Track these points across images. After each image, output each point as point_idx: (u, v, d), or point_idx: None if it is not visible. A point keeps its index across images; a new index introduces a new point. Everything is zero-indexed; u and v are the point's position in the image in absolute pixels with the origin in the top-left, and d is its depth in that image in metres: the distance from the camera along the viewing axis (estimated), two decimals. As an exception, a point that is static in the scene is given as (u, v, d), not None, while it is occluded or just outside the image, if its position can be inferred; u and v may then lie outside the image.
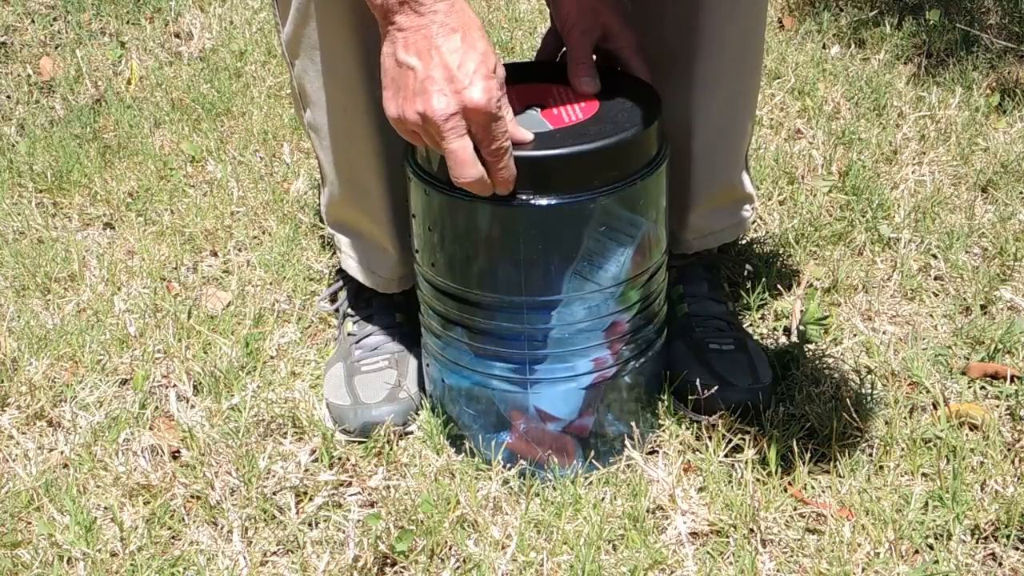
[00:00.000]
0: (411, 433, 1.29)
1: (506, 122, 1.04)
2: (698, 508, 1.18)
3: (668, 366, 1.30)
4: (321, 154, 1.31)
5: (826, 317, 1.42)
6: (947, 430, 1.26)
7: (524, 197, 1.08)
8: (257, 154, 1.95)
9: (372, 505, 1.21)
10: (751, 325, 1.47)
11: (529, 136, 1.08)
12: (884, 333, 1.46)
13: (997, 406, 1.32)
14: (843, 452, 1.25)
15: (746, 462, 1.21)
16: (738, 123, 1.37)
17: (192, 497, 1.22)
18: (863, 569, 1.10)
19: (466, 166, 1.04)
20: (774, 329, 1.46)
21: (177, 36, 2.44)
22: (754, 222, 1.68)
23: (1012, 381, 1.34)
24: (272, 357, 1.44)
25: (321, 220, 1.63)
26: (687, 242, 1.40)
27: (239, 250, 1.69)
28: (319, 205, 1.47)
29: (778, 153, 1.83)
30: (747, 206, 1.45)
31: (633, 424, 1.24)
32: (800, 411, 1.30)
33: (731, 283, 1.53)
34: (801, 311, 1.44)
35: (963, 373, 1.37)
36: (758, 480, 1.20)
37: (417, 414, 1.30)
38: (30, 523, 1.21)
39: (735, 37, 1.30)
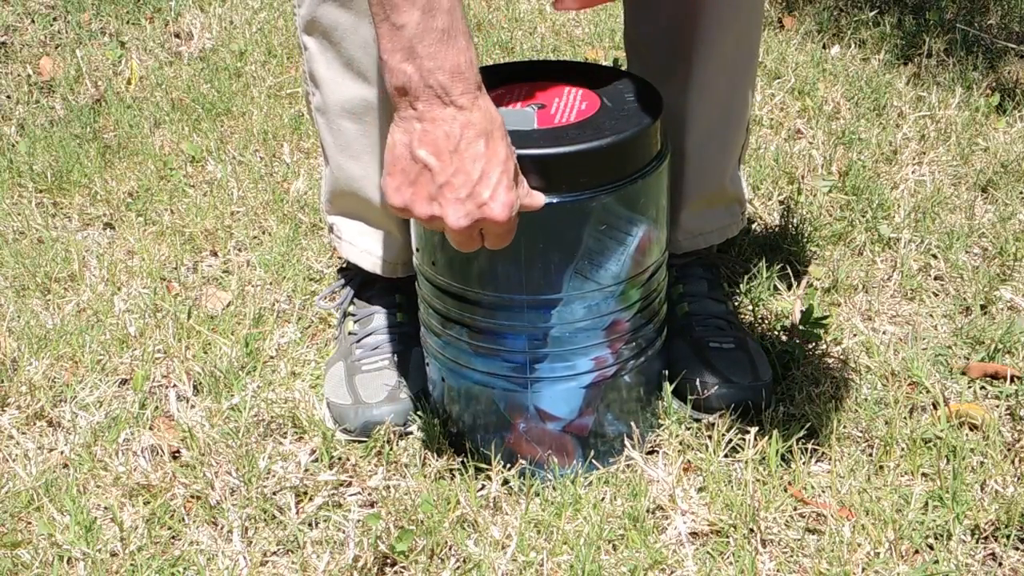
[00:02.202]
0: (411, 433, 1.29)
1: (514, 227, 1.02)
2: (698, 508, 1.18)
3: (668, 365, 1.31)
4: (328, 137, 1.30)
5: (826, 317, 1.42)
6: (947, 430, 1.26)
7: (524, 197, 1.08)
8: (257, 154, 1.95)
9: (372, 505, 1.21)
10: (751, 325, 1.47)
11: (542, 201, 1.06)
12: (884, 333, 1.46)
13: (997, 406, 1.32)
14: (843, 452, 1.25)
15: (746, 462, 1.21)
16: (731, 125, 1.38)
17: (192, 497, 1.22)
18: (863, 569, 1.10)
19: (467, 248, 1.04)
20: (774, 329, 1.46)
21: (177, 36, 2.45)
22: (753, 223, 1.68)
23: (1012, 381, 1.34)
24: (272, 357, 1.44)
25: (321, 216, 1.63)
26: (676, 242, 1.40)
27: (239, 250, 1.69)
28: (319, 195, 1.46)
29: (778, 153, 1.83)
30: (738, 208, 1.45)
31: (633, 424, 1.24)
32: (800, 411, 1.30)
33: (731, 283, 1.53)
34: (801, 311, 1.44)
35: (963, 373, 1.37)
36: (758, 480, 1.20)
37: (417, 414, 1.29)
38: (30, 523, 1.21)
39: (732, 41, 1.31)
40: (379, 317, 1.40)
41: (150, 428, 1.33)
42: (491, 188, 0.97)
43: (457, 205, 0.97)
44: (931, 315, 1.49)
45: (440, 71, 0.94)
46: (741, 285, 1.53)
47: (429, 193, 0.98)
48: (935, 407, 1.31)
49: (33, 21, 2.52)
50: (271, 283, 1.59)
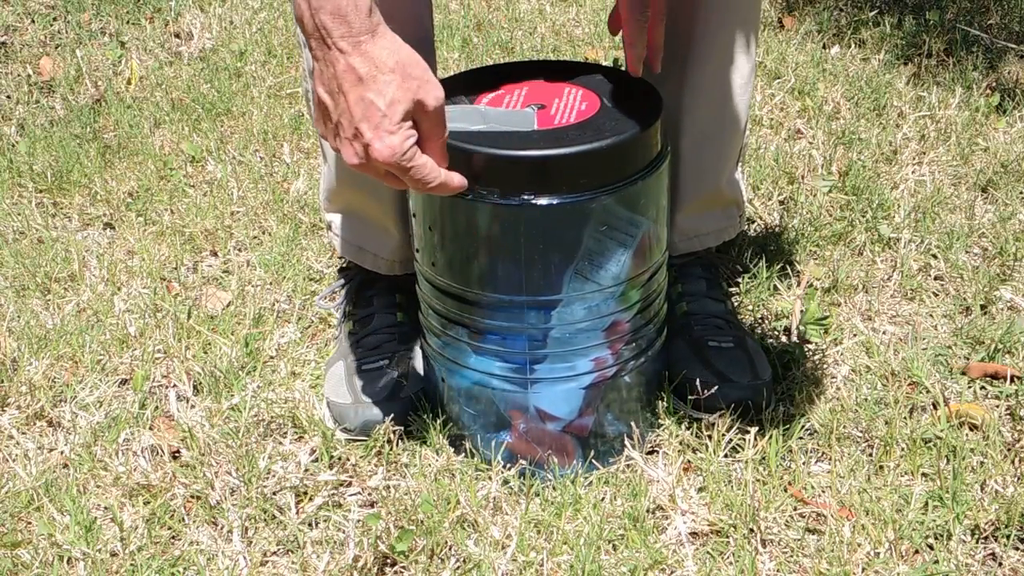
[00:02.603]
0: (411, 433, 1.29)
1: (421, 167, 1.02)
2: (698, 508, 1.18)
3: (667, 365, 1.31)
4: None
5: (826, 317, 1.42)
6: (947, 430, 1.26)
7: (525, 196, 1.08)
8: (257, 154, 1.95)
9: (372, 505, 1.21)
10: (751, 325, 1.47)
11: (458, 182, 1.06)
12: (884, 333, 1.46)
13: (997, 406, 1.32)
14: (843, 452, 1.25)
15: (746, 462, 1.21)
16: (727, 128, 1.37)
17: (192, 497, 1.22)
18: (863, 569, 1.10)
19: (394, 184, 1.05)
20: (774, 329, 1.46)
21: (177, 36, 2.45)
22: (753, 223, 1.68)
23: (1012, 381, 1.34)
24: (272, 357, 1.44)
25: (320, 215, 1.63)
26: (672, 244, 1.40)
27: (239, 250, 1.69)
28: (319, 193, 1.46)
29: (778, 153, 1.83)
30: (735, 211, 1.45)
31: (633, 424, 1.24)
32: (800, 411, 1.30)
33: (731, 283, 1.53)
34: (801, 311, 1.44)
35: (963, 373, 1.37)
36: (758, 480, 1.20)
37: (417, 414, 1.30)
38: (30, 523, 1.21)
39: (729, 43, 1.31)
40: (379, 317, 1.40)
41: (150, 428, 1.33)
42: (372, 129, 0.99)
43: (346, 143, 1.01)
44: (931, 315, 1.49)
45: (323, 11, 0.97)
46: (741, 285, 1.53)
47: (331, 129, 1.02)
48: (935, 407, 1.31)
49: (33, 21, 2.52)
50: (271, 283, 1.59)
